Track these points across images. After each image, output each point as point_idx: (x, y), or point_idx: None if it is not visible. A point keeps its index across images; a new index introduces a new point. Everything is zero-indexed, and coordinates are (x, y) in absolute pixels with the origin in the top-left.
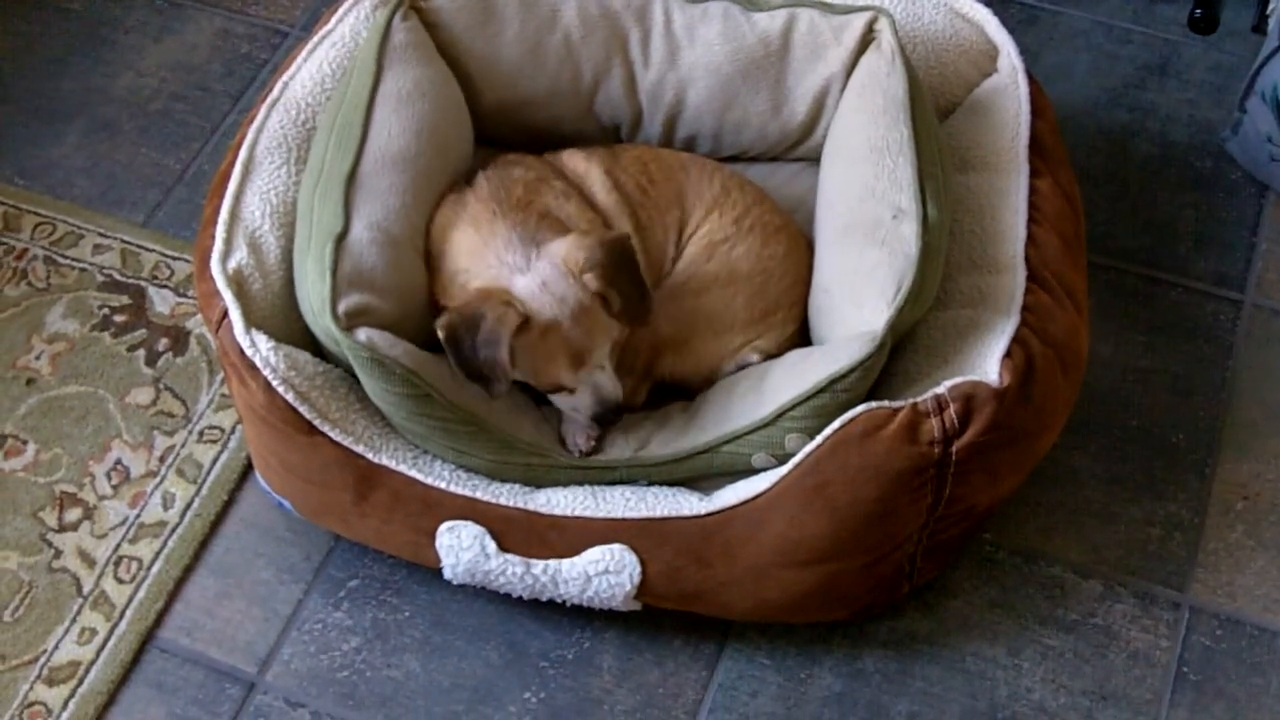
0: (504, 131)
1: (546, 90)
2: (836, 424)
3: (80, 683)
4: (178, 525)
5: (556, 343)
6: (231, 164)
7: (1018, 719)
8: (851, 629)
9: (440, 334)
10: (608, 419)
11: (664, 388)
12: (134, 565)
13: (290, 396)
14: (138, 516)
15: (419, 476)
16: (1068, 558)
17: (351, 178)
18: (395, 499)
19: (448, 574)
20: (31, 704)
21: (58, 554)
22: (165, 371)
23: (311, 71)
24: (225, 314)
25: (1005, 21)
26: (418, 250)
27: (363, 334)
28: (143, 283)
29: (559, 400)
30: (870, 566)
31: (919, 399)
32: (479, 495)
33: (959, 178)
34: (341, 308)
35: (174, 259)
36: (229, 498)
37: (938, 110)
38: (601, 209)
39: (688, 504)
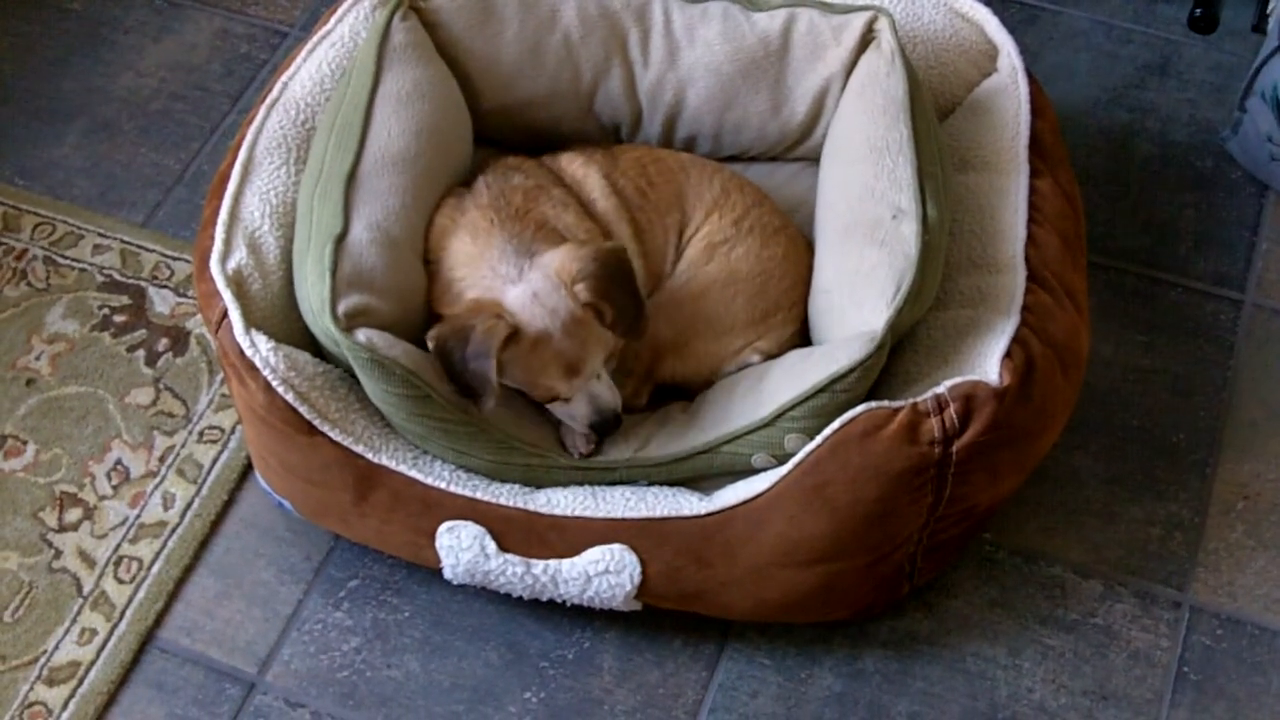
0: (504, 132)
1: (546, 90)
2: (836, 424)
3: (80, 683)
4: (178, 525)
5: (548, 354)
6: (231, 164)
7: (1018, 719)
8: (852, 629)
9: (430, 345)
10: (605, 428)
11: (664, 388)
12: (134, 565)
13: (290, 397)
14: (138, 517)
15: (419, 477)
16: (1068, 558)
17: (351, 178)
18: (395, 499)
19: (448, 574)
20: (32, 704)
21: (58, 554)
22: (165, 372)
23: (311, 72)
24: (225, 314)
25: (1005, 21)
26: (417, 251)
27: (362, 334)
28: (142, 283)
29: (557, 410)
30: (870, 566)
31: (919, 399)
32: (479, 495)
33: (959, 177)
34: (341, 308)
35: (174, 259)
36: (229, 498)
37: (938, 110)
38: (600, 215)
39: (688, 504)
